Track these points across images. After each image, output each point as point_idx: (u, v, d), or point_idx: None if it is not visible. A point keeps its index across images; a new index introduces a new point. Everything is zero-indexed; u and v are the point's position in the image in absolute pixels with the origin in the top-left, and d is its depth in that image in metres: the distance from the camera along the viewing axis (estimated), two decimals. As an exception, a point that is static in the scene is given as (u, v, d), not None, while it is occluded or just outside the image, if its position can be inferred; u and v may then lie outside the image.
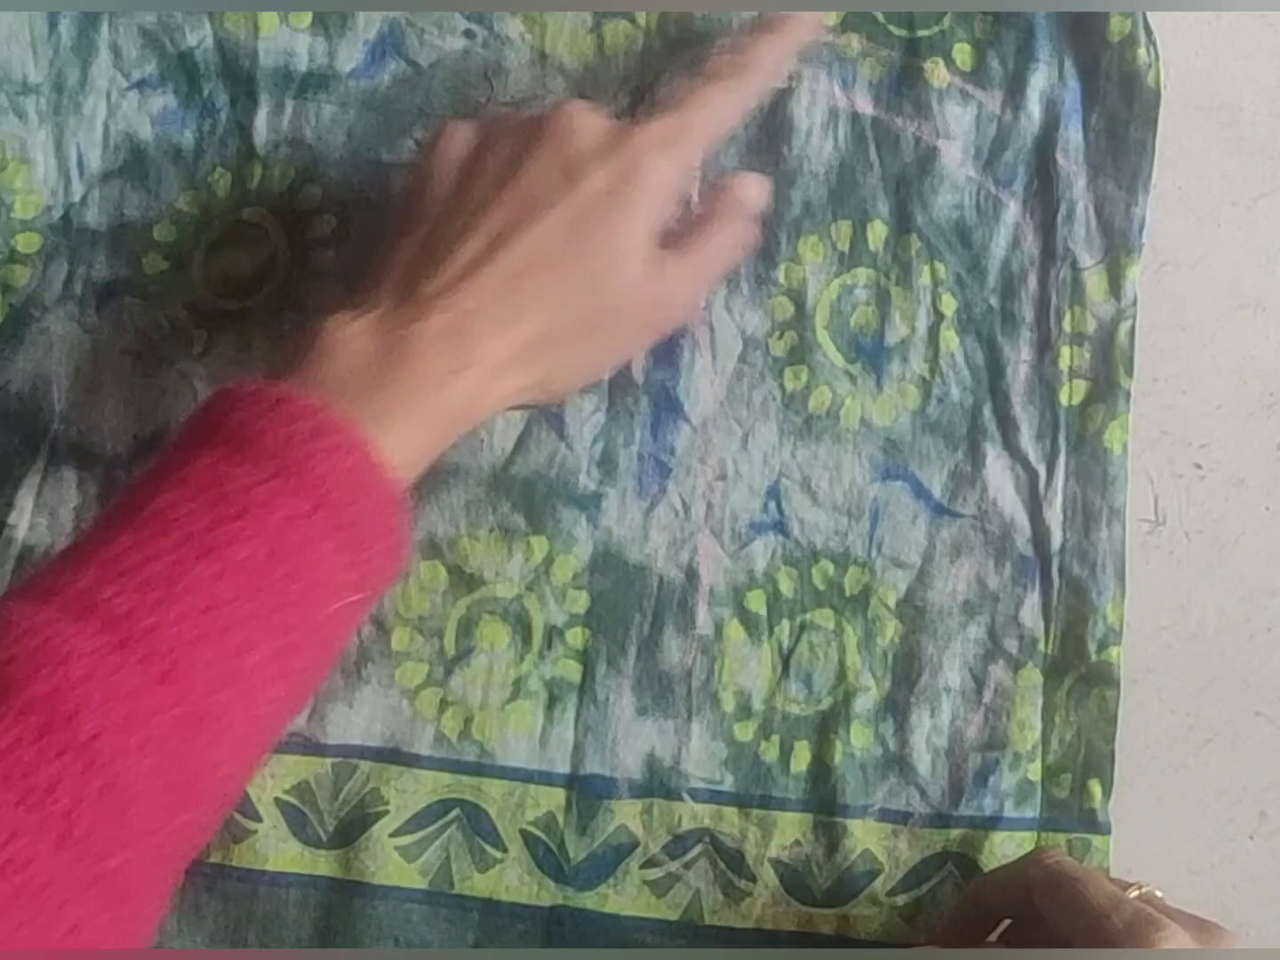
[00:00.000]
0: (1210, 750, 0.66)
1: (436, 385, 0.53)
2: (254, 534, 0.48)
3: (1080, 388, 0.65)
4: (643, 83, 0.67)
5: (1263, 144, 0.68)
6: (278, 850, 0.62)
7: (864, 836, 0.63)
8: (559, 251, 0.56)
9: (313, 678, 0.53)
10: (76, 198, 0.66)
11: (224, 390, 0.52)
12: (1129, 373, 0.65)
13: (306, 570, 0.49)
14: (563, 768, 0.63)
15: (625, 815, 0.63)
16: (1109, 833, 0.63)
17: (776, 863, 0.63)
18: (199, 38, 0.67)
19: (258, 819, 0.62)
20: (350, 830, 0.62)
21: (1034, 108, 0.66)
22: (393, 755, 0.63)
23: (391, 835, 0.62)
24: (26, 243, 0.66)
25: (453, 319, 0.54)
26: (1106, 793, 0.64)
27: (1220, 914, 0.63)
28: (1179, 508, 0.66)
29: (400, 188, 0.64)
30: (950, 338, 0.66)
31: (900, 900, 0.63)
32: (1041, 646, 0.64)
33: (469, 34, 0.67)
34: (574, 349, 0.58)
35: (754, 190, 0.62)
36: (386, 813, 0.62)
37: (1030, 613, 0.64)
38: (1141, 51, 0.66)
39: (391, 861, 0.62)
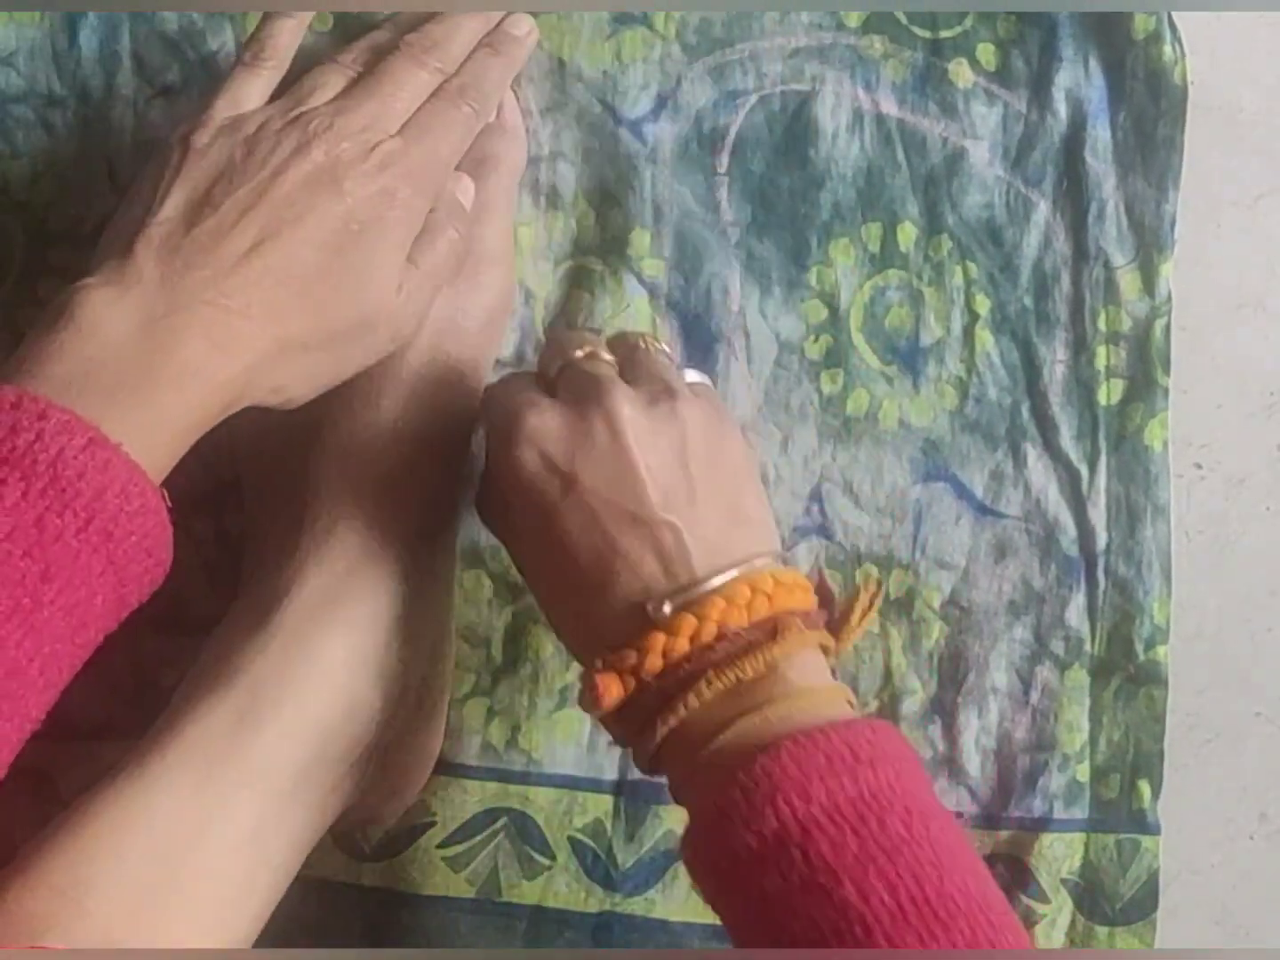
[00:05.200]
0: (1210, 750, 0.66)
1: (195, 382, 0.51)
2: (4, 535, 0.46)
3: (1118, 387, 0.65)
4: (663, 89, 0.66)
5: (1263, 144, 0.68)
6: (322, 860, 0.62)
7: (913, 838, 0.63)
8: (323, 261, 0.55)
9: (64, 677, 0.50)
10: (111, 209, 0.65)
11: None
12: (1166, 370, 0.65)
13: (62, 571, 0.47)
14: (611, 774, 0.63)
15: (674, 820, 0.63)
16: (1159, 832, 0.64)
17: (825, 866, 0.63)
18: (220, 43, 0.66)
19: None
20: (397, 843, 0.63)
21: (1060, 106, 0.66)
22: (440, 766, 0.62)
23: (439, 846, 0.63)
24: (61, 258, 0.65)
25: (218, 315, 0.52)
26: (1156, 792, 0.64)
27: (1220, 914, 0.64)
28: (1179, 508, 0.66)
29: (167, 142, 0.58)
30: (985, 338, 0.65)
31: (949, 902, 0.63)
32: (1088, 647, 0.64)
33: (488, 41, 0.67)
34: (323, 356, 0.56)
35: (467, 186, 0.62)
36: (434, 824, 0.62)
37: (1076, 613, 0.64)
38: (1167, 48, 0.66)
39: (439, 872, 0.62)
